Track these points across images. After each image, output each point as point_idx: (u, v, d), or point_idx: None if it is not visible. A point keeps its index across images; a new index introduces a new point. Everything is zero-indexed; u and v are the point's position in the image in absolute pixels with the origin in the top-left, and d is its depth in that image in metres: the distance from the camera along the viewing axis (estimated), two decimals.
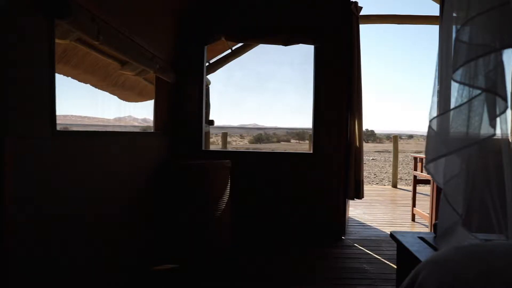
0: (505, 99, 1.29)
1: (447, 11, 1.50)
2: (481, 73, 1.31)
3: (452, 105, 1.40)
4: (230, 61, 5.06)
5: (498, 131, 1.34)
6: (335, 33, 3.47)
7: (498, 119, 1.32)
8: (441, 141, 1.46)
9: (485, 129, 1.34)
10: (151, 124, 3.40)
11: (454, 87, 1.41)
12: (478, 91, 1.32)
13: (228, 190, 3.01)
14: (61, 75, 2.85)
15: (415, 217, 4.31)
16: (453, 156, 1.43)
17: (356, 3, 3.54)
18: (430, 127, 1.52)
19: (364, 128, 3.79)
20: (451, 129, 1.41)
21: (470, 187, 1.40)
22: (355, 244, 3.32)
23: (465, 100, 1.36)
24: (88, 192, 1.86)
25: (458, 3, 1.41)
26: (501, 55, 1.29)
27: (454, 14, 1.46)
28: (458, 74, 1.37)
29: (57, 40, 1.71)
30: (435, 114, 1.53)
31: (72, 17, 1.58)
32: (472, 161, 1.41)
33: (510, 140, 1.49)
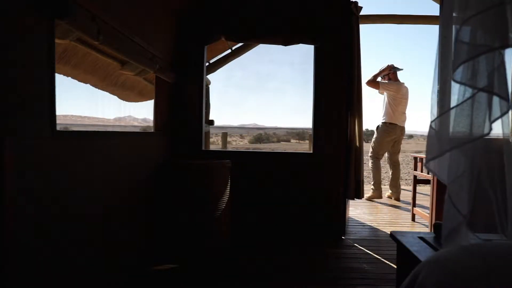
0: (507, 100, 1.28)
1: (446, 10, 1.50)
2: (483, 73, 1.31)
3: (453, 104, 1.40)
4: (230, 61, 5.06)
5: (499, 131, 1.34)
6: (335, 33, 3.46)
7: (500, 119, 1.31)
8: (442, 139, 1.45)
9: (487, 129, 1.33)
10: (151, 124, 3.40)
11: (455, 86, 1.40)
12: (480, 91, 1.32)
13: (228, 190, 3.01)
14: (61, 75, 2.85)
15: (415, 217, 4.31)
16: (458, 156, 1.42)
17: (356, 3, 3.54)
18: (431, 126, 1.52)
19: (364, 128, 3.79)
20: (452, 128, 1.41)
21: (475, 187, 1.40)
22: (355, 244, 3.32)
23: (466, 99, 1.35)
24: (88, 192, 1.86)
25: (457, 2, 1.41)
26: (502, 55, 1.29)
27: (454, 14, 1.46)
28: (458, 74, 1.36)
29: (57, 40, 1.71)
30: (435, 113, 1.53)
31: (72, 17, 1.58)
32: (476, 161, 1.40)
33: (510, 140, 1.49)
